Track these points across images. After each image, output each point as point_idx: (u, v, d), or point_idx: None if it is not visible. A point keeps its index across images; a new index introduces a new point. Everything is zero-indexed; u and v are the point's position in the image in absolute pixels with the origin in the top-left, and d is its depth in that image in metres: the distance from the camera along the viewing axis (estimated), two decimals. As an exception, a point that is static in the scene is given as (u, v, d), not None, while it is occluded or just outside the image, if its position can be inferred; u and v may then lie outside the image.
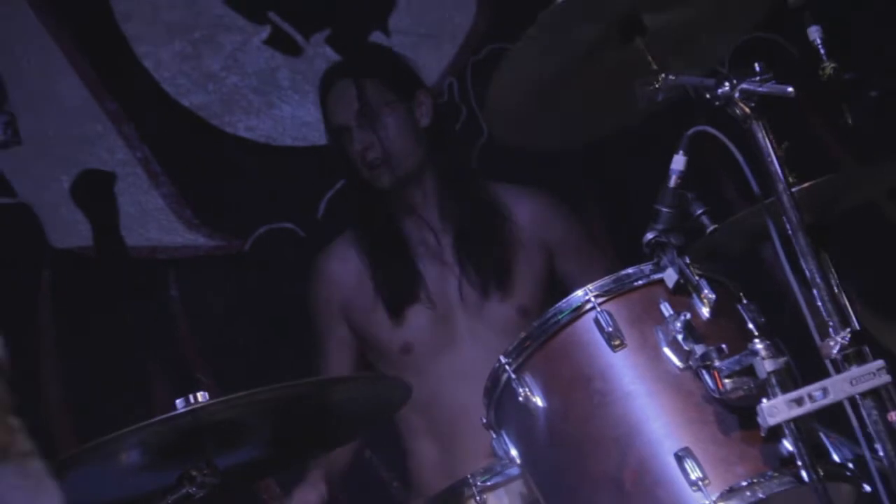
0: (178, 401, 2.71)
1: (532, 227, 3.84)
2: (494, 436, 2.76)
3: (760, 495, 2.46)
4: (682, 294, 2.63)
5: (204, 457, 2.76)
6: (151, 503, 2.74)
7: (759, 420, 2.44)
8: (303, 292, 3.94)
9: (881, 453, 2.42)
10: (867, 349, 2.46)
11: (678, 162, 2.64)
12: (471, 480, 2.91)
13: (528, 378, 2.67)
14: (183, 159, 4.43)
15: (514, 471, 2.79)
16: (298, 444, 3.03)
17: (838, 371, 2.44)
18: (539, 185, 3.96)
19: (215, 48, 4.50)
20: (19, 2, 4.35)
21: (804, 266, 2.51)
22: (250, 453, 2.93)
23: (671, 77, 2.73)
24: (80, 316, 4.20)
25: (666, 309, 2.61)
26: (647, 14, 2.81)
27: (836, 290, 2.57)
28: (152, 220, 4.39)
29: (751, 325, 2.58)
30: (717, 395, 2.51)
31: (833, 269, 2.73)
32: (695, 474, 2.47)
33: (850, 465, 2.58)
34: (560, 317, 2.66)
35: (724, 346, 2.52)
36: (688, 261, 2.64)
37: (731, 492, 2.46)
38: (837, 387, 2.42)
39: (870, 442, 2.42)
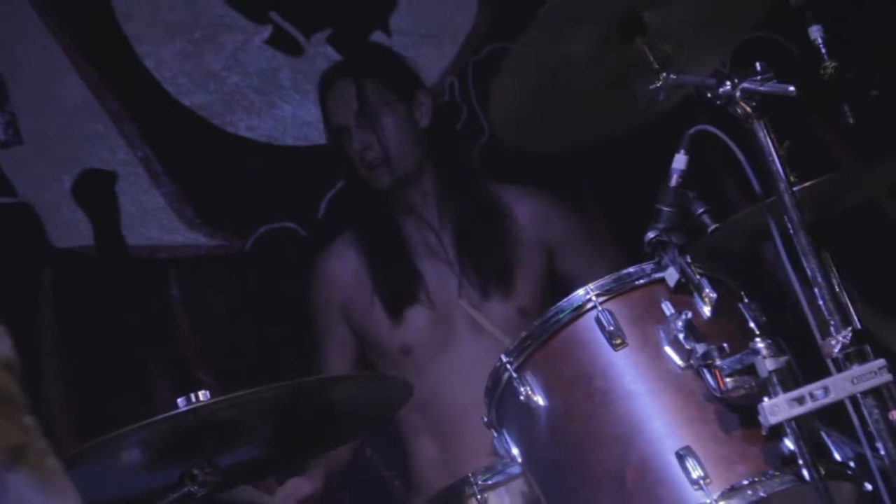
0: (179, 400, 2.71)
1: (532, 227, 3.85)
2: (496, 435, 2.76)
3: (762, 494, 2.46)
4: (683, 293, 2.64)
5: (205, 455, 2.76)
6: (153, 502, 2.74)
7: (761, 419, 2.44)
8: (303, 292, 3.94)
9: (882, 452, 2.42)
10: (868, 348, 2.46)
11: (679, 161, 2.65)
12: (472, 479, 2.91)
13: (529, 377, 2.67)
14: (184, 159, 4.43)
15: (516, 469, 2.80)
16: (299, 443, 3.03)
17: (839, 370, 2.44)
18: (540, 185, 3.96)
19: (216, 48, 4.50)
20: (20, 2, 4.35)
21: (805, 265, 2.51)
22: (251, 452, 2.93)
23: (672, 76, 2.73)
24: (81, 315, 4.20)
25: (667, 308, 2.61)
26: (648, 13, 2.81)
27: (838, 289, 2.57)
28: (153, 220, 4.39)
29: (752, 324, 2.59)
30: (718, 394, 2.51)
31: (834, 268, 2.73)
32: (696, 473, 2.47)
33: (852, 464, 2.58)
34: (561, 316, 2.66)
35: (725, 344, 2.52)
36: (689, 260, 2.64)
37: (732, 490, 2.47)
38: (839, 385, 2.42)
39: (871, 441, 2.42)
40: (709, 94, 2.58)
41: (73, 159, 4.36)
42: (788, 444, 2.47)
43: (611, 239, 4.27)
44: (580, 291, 2.67)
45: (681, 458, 2.49)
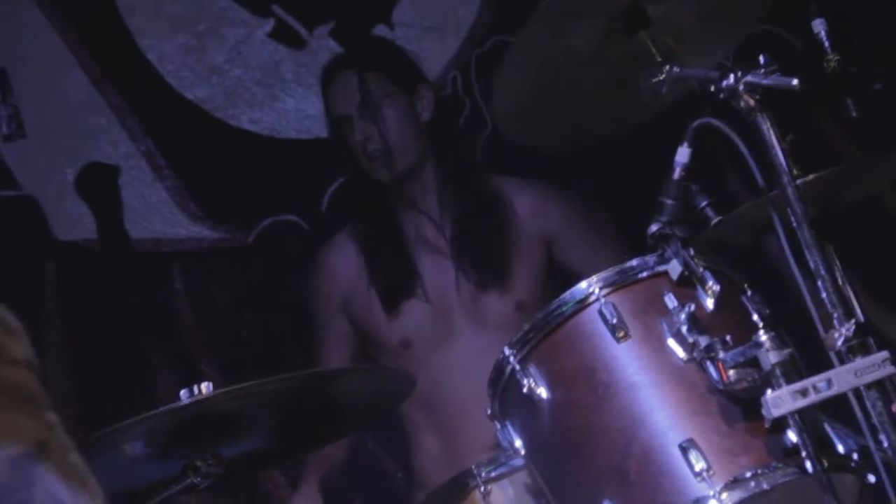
0: (182, 392, 2.72)
1: (531, 219, 3.84)
2: (499, 427, 2.77)
3: (765, 486, 2.46)
4: (686, 286, 2.64)
5: (209, 447, 2.77)
6: (156, 493, 2.75)
7: (764, 411, 2.44)
8: (306, 285, 3.95)
9: (885, 444, 2.42)
10: (871, 340, 2.46)
11: (683, 154, 2.65)
12: (475, 471, 2.91)
13: (532, 369, 2.67)
14: (187, 152, 4.44)
15: (519, 462, 2.80)
16: (302, 436, 3.03)
17: (843, 362, 2.44)
18: (542, 178, 3.96)
19: (219, 41, 4.50)
20: (23, -4, 4.36)
21: (808, 258, 2.51)
22: (255, 444, 2.93)
23: (675, 69, 2.73)
24: (85, 308, 4.21)
25: (670, 300, 2.61)
26: (651, 6, 2.81)
27: (841, 282, 2.57)
28: (156, 213, 4.40)
29: (755, 317, 2.59)
30: (721, 387, 2.50)
31: (837, 261, 2.73)
32: (699, 465, 2.47)
33: (855, 456, 2.58)
34: (564, 308, 2.66)
35: (728, 337, 2.52)
36: (692, 252, 2.64)
37: (735, 482, 2.47)
38: (842, 378, 2.42)
39: (874, 433, 2.43)
40: (712, 88, 2.58)
41: (76, 153, 4.37)
42: (791, 436, 2.47)
43: (612, 231, 4.27)
44: (583, 284, 2.67)
45: (684, 450, 2.49)
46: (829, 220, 2.86)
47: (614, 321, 2.61)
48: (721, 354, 2.50)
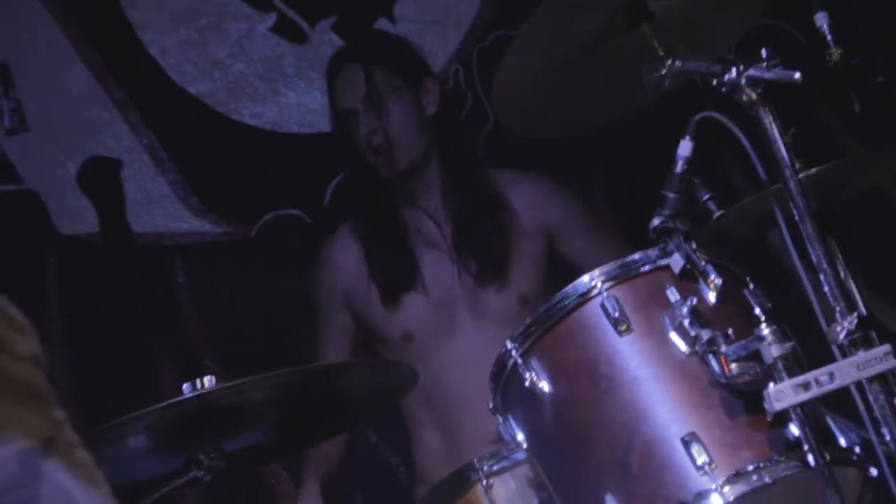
0: (185, 386, 2.72)
1: (532, 213, 3.84)
2: (501, 420, 2.77)
3: (767, 479, 2.46)
4: (688, 279, 2.63)
5: (211, 441, 2.77)
6: (159, 487, 2.75)
7: (766, 405, 2.44)
8: (308, 278, 3.95)
9: (888, 437, 2.42)
10: (874, 334, 2.46)
11: (685, 147, 2.65)
12: (477, 465, 2.92)
13: (534, 363, 2.67)
14: (189, 146, 4.44)
15: (521, 455, 2.80)
16: (305, 429, 3.04)
17: (845, 356, 2.44)
18: (544, 171, 3.96)
19: (221, 35, 4.50)
20: (26, -10, 4.36)
21: (811, 251, 2.51)
22: (257, 438, 2.94)
23: (678, 63, 2.73)
24: (87, 302, 4.21)
25: (672, 294, 2.61)
26: (654, 1, 2.81)
27: (843, 276, 2.57)
28: (158, 207, 4.40)
29: (757, 310, 2.59)
30: (723, 380, 2.50)
31: (839, 255, 2.73)
32: (701, 459, 2.47)
33: (857, 450, 2.58)
34: (566, 302, 2.66)
35: (730, 331, 2.52)
36: (694, 246, 2.64)
37: (737, 476, 2.47)
38: (844, 371, 2.42)
39: (876, 426, 2.43)
40: (714, 82, 2.58)
41: (78, 147, 4.37)
42: (793, 429, 2.47)
43: (614, 224, 4.28)
44: (585, 278, 2.66)
45: (686, 443, 2.49)
46: (832, 214, 2.86)
47: (616, 315, 2.61)
48: (723, 348, 2.50)
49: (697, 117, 2.63)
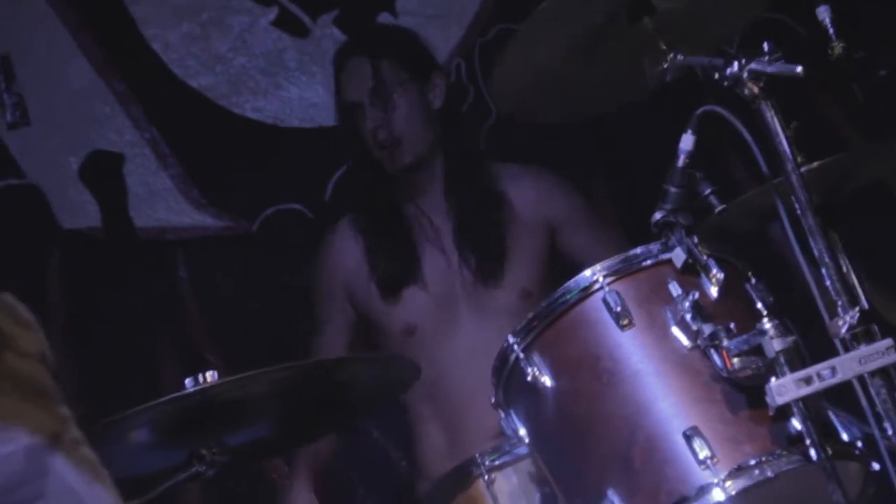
0: (187, 380, 2.72)
1: (534, 207, 3.84)
2: (503, 415, 2.77)
3: (769, 474, 2.47)
4: (690, 274, 2.64)
5: (213, 436, 2.77)
6: (162, 481, 2.75)
7: (768, 399, 2.45)
8: (310, 271, 3.95)
9: (890, 432, 2.42)
10: (876, 328, 2.46)
11: (687, 141, 2.65)
12: (479, 460, 2.92)
13: (536, 358, 2.67)
14: (191, 140, 4.44)
15: (523, 450, 2.80)
16: (307, 424, 3.04)
17: (847, 350, 2.44)
18: (545, 165, 3.96)
19: (223, 30, 4.50)
20: (27, -16, 4.36)
21: (813, 245, 2.51)
22: (259, 432, 2.94)
23: (679, 57, 2.73)
24: (90, 296, 4.21)
25: (674, 288, 2.61)
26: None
27: (845, 270, 2.57)
28: (160, 201, 4.40)
29: (759, 305, 2.59)
30: (725, 375, 2.51)
31: (842, 249, 2.73)
32: (703, 453, 2.48)
33: (859, 444, 2.58)
34: (568, 296, 2.66)
35: (732, 325, 2.52)
36: (696, 240, 2.64)
37: (739, 470, 2.47)
38: (846, 366, 2.42)
39: (879, 420, 2.43)
40: (716, 75, 2.58)
41: (80, 141, 4.37)
42: (796, 424, 2.47)
43: (615, 220, 4.28)
44: (587, 272, 2.67)
45: (688, 438, 2.50)
46: (834, 208, 2.86)
47: (618, 309, 2.61)
48: (725, 342, 2.50)
49: (699, 111, 2.63)
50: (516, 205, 3.82)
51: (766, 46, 2.55)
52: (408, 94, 3.81)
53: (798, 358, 2.49)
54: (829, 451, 2.46)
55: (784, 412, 2.47)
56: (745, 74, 2.54)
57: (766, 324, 2.49)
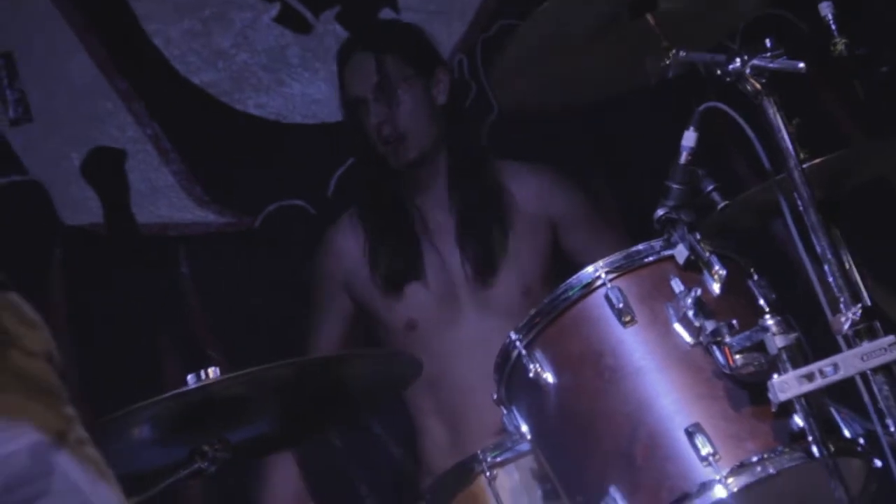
0: (189, 377, 2.73)
1: (536, 204, 3.84)
2: (505, 412, 2.77)
3: (771, 471, 2.47)
4: (692, 270, 2.64)
5: (215, 432, 2.78)
6: (164, 478, 2.76)
7: (770, 396, 2.45)
8: (310, 265, 3.96)
9: (892, 429, 2.42)
10: (878, 324, 2.46)
11: (689, 138, 2.65)
12: (481, 456, 2.92)
13: (538, 354, 2.67)
14: (193, 136, 4.44)
15: (525, 446, 2.81)
16: (309, 420, 3.04)
17: (849, 346, 2.44)
18: (547, 162, 3.96)
19: (225, 25, 4.49)
20: (29, -20, 4.36)
21: (815, 242, 2.51)
22: (261, 429, 2.95)
23: (682, 53, 2.73)
24: (92, 293, 4.21)
25: (676, 285, 2.62)
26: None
27: (847, 266, 2.57)
28: (163, 198, 4.40)
29: (761, 301, 2.59)
30: (727, 371, 2.51)
31: (844, 245, 2.73)
32: (705, 450, 2.48)
33: (861, 441, 2.59)
34: (570, 293, 2.67)
35: (734, 321, 2.52)
36: (698, 237, 2.64)
37: (741, 467, 2.48)
38: (848, 362, 2.42)
39: (881, 417, 2.43)
40: (718, 71, 2.58)
41: (82, 137, 4.37)
42: (798, 420, 2.47)
43: (616, 218, 4.28)
44: (589, 269, 2.67)
45: (690, 434, 2.50)
46: (836, 204, 2.86)
47: (620, 306, 2.61)
48: (727, 339, 2.51)
49: (702, 108, 2.63)
50: (519, 201, 3.83)
51: (768, 43, 2.56)
52: (412, 89, 3.81)
53: (800, 354, 2.49)
54: (832, 448, 2.46)
55: (786, 409, 2.48)
56: (748, 70, 2.54)
57: (769, 320, 2.49)
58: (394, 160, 3.78)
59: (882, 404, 2.42)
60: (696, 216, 2.67)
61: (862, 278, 2.63)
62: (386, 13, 4.54)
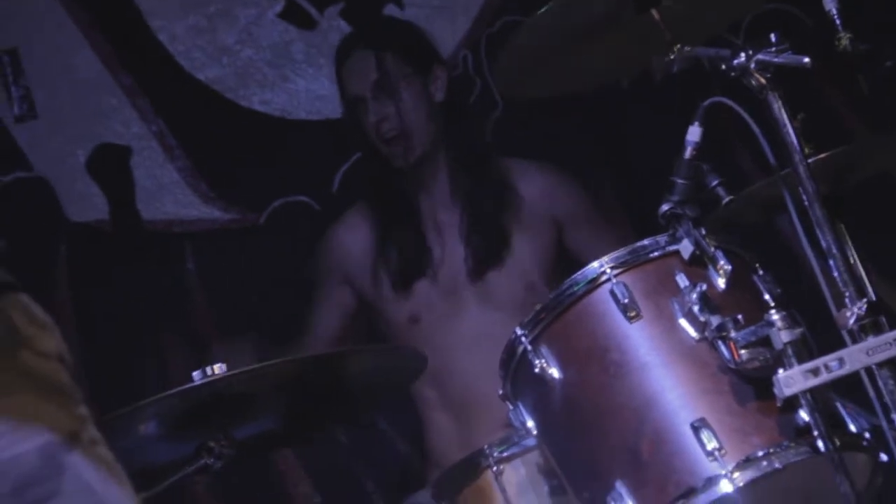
0: (195, 373, 2.73)
1: (541, 202, 3.85)
2: (511, 407, 2.78)
3: (776, 465, 2.47)
4: (697, 265, 2.64)
5: (221, 428, 2.78)
6: (170, 474, 2.76)
7: (775, 390, 2.45)
8: (313, 258, 3.97)
9: (898, 423, 2.43)
10: (883, 319, 2.47)
11: (694, 133, 2.65)
12: (487, 451, 2.93)
13: (544, 349, 2.68)
14: (198, 133, 4.44)
15: (531, 441, 2.81)
16: (314, 416, 3.05)
17: (855, 341, 2.45)
18: (551, 159, 3.97)
19: (230, 22, 4.50)
20: (34, -24, 4.36)
21: (820, 236, 2.51)
22: (267, 425, 2.95)
23: (686, 48, 2.74)
24: (97, 289, 4.22)
25: (682, 280, 2.62)
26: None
27: (852, 261, 2.57)
28: (168, 194, 4.41)
29: (767, 296, 2.60)
30: (732, 366, 2.51)
31: (849, 240, 2.73)
32: (711, 444, 2.48)
33: (867, 435, 2.59)
34: (576, 288, 2.67)
35: (740, 316, 2.52)
36: (703, 232, 2.64)
37: (747, 462, 2.48)
38: (854, 357, 2.43)
39: (886, 412, 2.43)
40: (723, 66, 2.58)
41: (87, 134, 4.37)
42: (803, 415, 2.48)
43: (620, 215, 4.28)
44: (594, 264, 2.67)
45: (696, 429, 2.50)
46: (841, 199, 2.86)
47: (626, 301, 2.62)
48: (733, 334, 2.51)
49: (706, 103, 2.63)
50: (524, 198, 3.84)
51: (773, 37, 2.56)
52: (412, 87, 3.81)
53: (805, 349, 2.49)
54: (837, 443, 2.46)
55: (792, 403, 2.48)
56: (753, 65, 2.54)
57: (774, 315, 2.49)
58: (399, 160, 3.79)
59: (887, 398, 2.42)
60: (701, 211, 2.67)
61: (866, 273, 2.64)
62: (390, 9, 4.54)
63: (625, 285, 2.63)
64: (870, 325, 2.45)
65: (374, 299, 3.86)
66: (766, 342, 2.49)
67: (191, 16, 4.47)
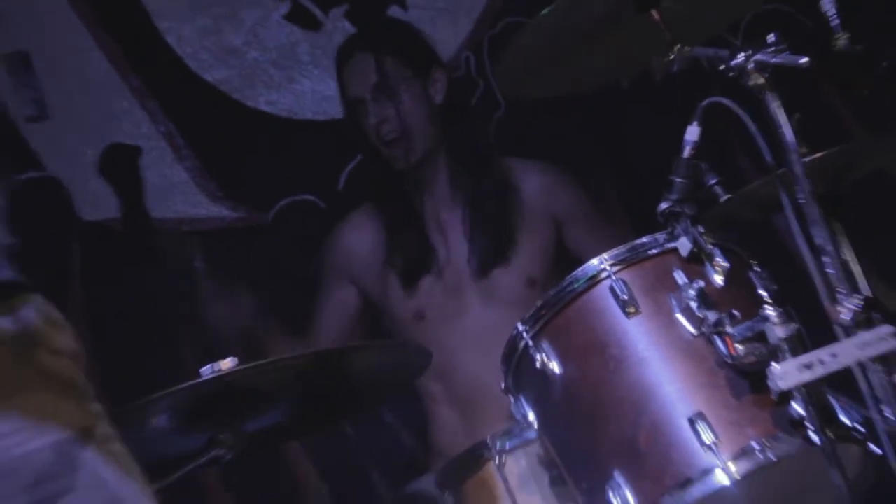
0: (203, 368, 2.76)
1: (541, 201, 3.87)
2: (513, 401, 2.80)
3: (771, 457, 2.49)
4: (695, 262, 2.66)
5: (231, 421, 2.81)
6: (181, 466, 2.79)
7: (770, 384, 2.46)
8: (319, 257, 3.99)
9: (889, 415, 2.45)
10: (876, 315, 2.49)
11: (692, 133, 2.66)
12: (490, 443, 2.96)
13: (545, 345, 2.70)
14: (206, 133, 4.45)
15: (532, 434, 2.83)
16: (323, 410, 3.07)
17: (848, 337, 2.47)
18: (552, 159, 3.99)
19: (236, 23, 4.51)
20: (44, -22, 4.39)
21: (816, 234, 2.53)
22: (276, 418, 2.97)
23: (686, 48, 2.76)
24: (109, 286, 4.23)
25: (680, 277, 2.64)
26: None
27: (848, 258, 2.60)
28: (177, 193, 4.42)
29: (763, 293, 2.61)
30: (729, 361, 2.53)
31: (845, 238, 2.76)
32: (707, 437, 2.50)
33: (859, 428, 2.60)
34: (576, 285, 2.69)
35: (736, 312, 2.54)
36: (701, 230, 2.66)
37: (742, 454, 2.50)
38: (847, 352, 2.43)
39: (878, 405, 2.45)
40: (721, 66, 2.59)
41: (97, 134, 4.37)
42: (797, 408, 2.49)
43: (619, 214, 4.30)
44: (594, 261, 2.69)
45: (692, 422, 2.52)
46: (837, 197, 2.88)
47: (625, 297, 2.64)
48: (729, 329, 2.53)
49: (705, 102, 2.64)
50: (525, 197, 3.86)
51: (771, 38, 2.57)
52: (411, 90, 3.83)
53: (800, 344, 2.51)
54: (831, 435, 2.48)
55: (786, 397, 2.50)
56: (751, 65, 2.55)
57: (770, 311, 2.51)
58: (396, 161, 3.81)
59: (879, 392, 2.45)
60: (699, 209, 2.68)
61: (862, 270, 2.66)
62: (394, 10, 4.56)
63: (624, 282, 2.65)
64: (863, 321, 2.45)
65: (380, 297, 3.88)
66: (761, 337, 2.51)
67: (198, 17, 4.48)
